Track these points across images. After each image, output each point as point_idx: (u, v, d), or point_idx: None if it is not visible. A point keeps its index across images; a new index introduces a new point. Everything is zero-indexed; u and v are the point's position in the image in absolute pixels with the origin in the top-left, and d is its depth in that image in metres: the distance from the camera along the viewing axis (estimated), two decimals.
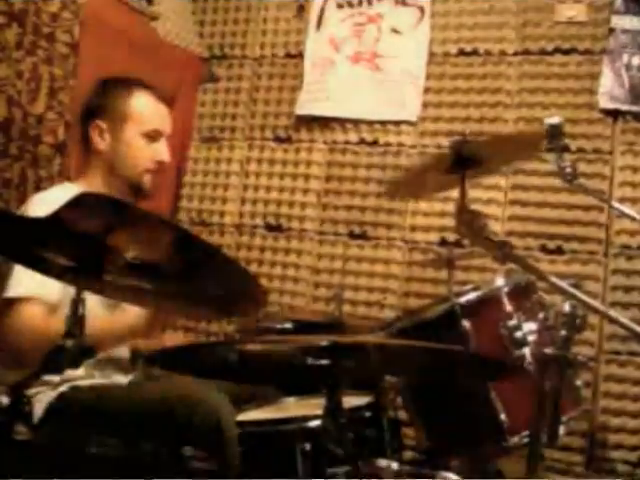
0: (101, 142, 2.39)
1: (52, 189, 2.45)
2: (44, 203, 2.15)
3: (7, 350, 2.16)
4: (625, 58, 3.36)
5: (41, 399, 2.17)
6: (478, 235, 1.86)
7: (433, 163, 2.10)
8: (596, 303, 2.01)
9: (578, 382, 2.39)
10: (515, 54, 3.59)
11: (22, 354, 2.11)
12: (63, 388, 2.20)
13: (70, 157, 3.12)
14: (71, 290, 1.55)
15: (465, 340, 2.30)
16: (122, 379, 2.37)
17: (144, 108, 2.42)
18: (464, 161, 2.03)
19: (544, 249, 3.43)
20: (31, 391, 2.14)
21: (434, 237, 3.61)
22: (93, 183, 2.39)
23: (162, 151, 2.43)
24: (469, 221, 1.88)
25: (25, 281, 2.11)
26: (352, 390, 2.30)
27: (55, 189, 2.43)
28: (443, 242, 3.57)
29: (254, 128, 4.04)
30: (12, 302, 2.13)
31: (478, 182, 3.34)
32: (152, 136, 2.41)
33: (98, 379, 2.29)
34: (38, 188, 2.97)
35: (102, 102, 2.42)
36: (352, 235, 3.77)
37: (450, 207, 2.02)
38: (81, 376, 2.23)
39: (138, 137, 2.39)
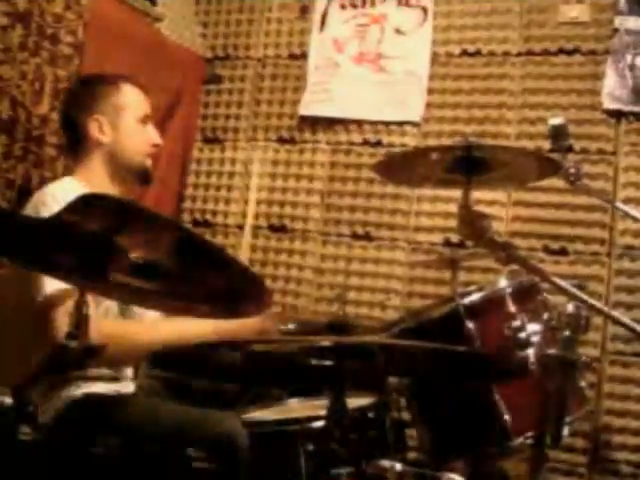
0: (102, 135, 2.43)
1: (58, 183, 2.44)
2: (56, 198, 2.19)
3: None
4: (629, 58, 3.35)
5: (51, 404, 2.17)
6: (481, 236, 1.86)
7: (437, 159, 2.09)
8: (600, 304, 2.01)
9: (582, 383, 2.38)
10: (518, 55, 3.59)
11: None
12: (75, 394, 2.20)
13: None
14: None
15: (469, 341, 2.30)
16: (128, 371, 2.39)
17: (134, 96, 2.51)
18: (469, 163, 2.02)
19: (547, 250, 3.43)
20: (41, 394, 2.14)
21: (437, 238, 3.61)
22: (97, 177, 2.41)
23: (155, 134, 2.54)
24: (472, 222, 1.88)
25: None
26: (356, 391, 2.30)
27: (62, 183, 2.41)
28: (447, 243, 3.57)
29: (257, 129, 4.04)
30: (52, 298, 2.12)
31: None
32: (145, 121, 2.50)
33: (107, 375, 2.30)
34: None
35: (92, 99, 2.47)
36: (355, 236, 3.77)
37: (453, 208, 2.02)
38: (90, 373, 2.23)
39: (136, 123, 2.48)
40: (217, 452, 2.05)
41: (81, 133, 2.44)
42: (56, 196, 2.21)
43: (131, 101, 2.48)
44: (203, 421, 2.10)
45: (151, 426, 2.12)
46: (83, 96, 2.49)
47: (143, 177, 2.49)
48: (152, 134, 2.52)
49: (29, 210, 2.26)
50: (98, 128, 2.43)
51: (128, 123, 2.46)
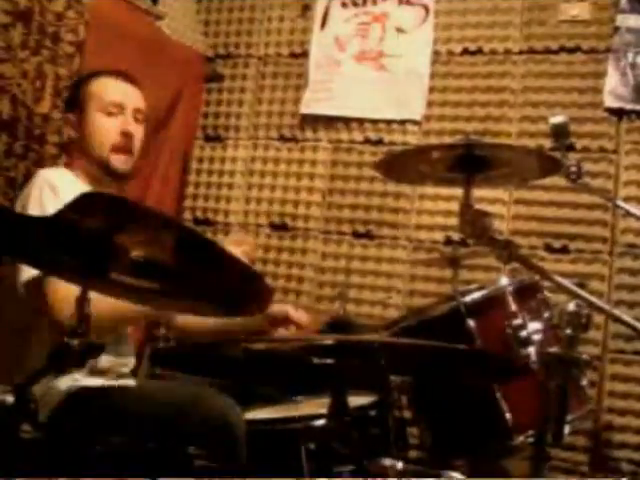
0: (73, 132, 2.42)
1: (54, 169, 2.46)
2: (51, 181, 2.20)
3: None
4: (630, 57, 3.35)
5: (49, 399, 2.17)
6: (482, 234, 1.86)
7: (438, 157, 2.09)
8: (601, 302, 2.01)
9: (583, 381, 2.38)
10: (520, 53, 3.59)
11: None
12: (71, 388, 2.20)
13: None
14: None
15: (470, 339, 2.30)
16: (128, 365, 2.39)
17: (101, 87, 2.39)
18: (470, 162, 2.02)
19: (549, 248, 3.42)
20: (39, 390, 2.14)
21: (439, 236, 3.61)
22: (82, 174, 2.37)
23: (126, 123, 2.36)
24: (473, 220, 1.88)
25: None
26: (357, 389, 2.30)
27: (57, 169, 2.45)
28: (448, 241, 3.57)
29: (258, 127, 4.04)
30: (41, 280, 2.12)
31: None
32: (113, 111, 2.35)
33: (106, 371, 2.30)
34: None
35: (70, 98, 2.48)
36: (356, 234, 3.77)
37: (455, 206, 2.02)
38: (89, 369, 2.23)
39: (99, 114, 2.34)
40: (216, 442, 2.04)
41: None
42: (48, 178, 2.22)
43: (96, 91, 2.37)
44: (202, 414, 2.10)
45: (150, 418, 2.12)
46: (68, 96, 2.52)
47: (109, 172, 2.34)
48: (118, 123, 2.34)
49: (24, 193, 2.25)
50: (70, 125, 2.43)
51: (91, 115, 2.35)
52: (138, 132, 2.40)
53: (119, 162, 2.35)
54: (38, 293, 2.09)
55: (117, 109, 2.36)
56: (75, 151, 2.46)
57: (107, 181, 2.35)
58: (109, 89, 2.38)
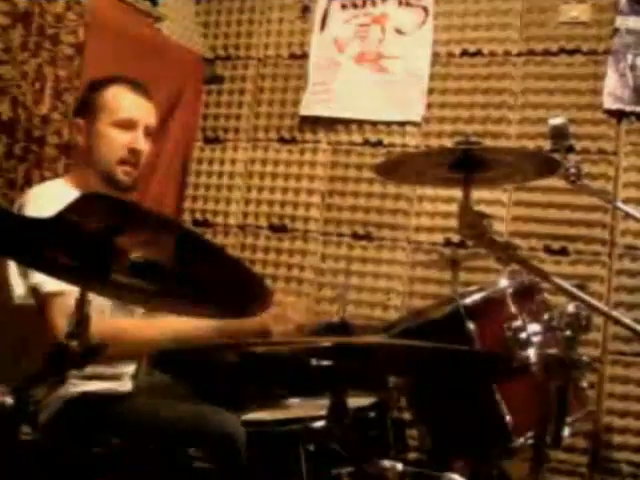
0: (79, 138, 2.38)
1: (47, 184, 2.44)
2: (42, 197, 2.20)
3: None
4: (629, 58, 3.35)
5: (49, 404, 2.17)
6: (481, 236, 1.86)
7: (437, 158, 2.09)
8: (600, 304, 2.01)
9: (583, 383, 2.38)
10: (519, 55, 3.59)
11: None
12: (73, 393, 2.20)
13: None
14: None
15: (469, 341, 2.29)
16: (128, 369, 2.39)
17: (116, 98, 2.37)
18: (469, 163, 2.02)
19: (548, 250, 3.42)
20: (39, 395, 2.14)
21: (438, 238, 3.61)
22: (76, 179, 2.37)
23: (135, 139, 2.35)
24: (472, 222, 1.87)
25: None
26: (356, 391, 2.30)
27: (50, 184, 2.42)
28: (447, 243, 3.57)
29: (258, 129, 4.04)
30: (52, 296, 2.13)
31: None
32: (125, 125, 2.35)
33: (105, 373, 2.30)
34: None
35: (80, 103, 2.45)
36: (356, 236, 3.77)
37: (454, 208, 2.02)
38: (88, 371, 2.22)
39: (110, 127, 2.34)
40: (216, 451, 2.05)
41: (70, 136, 2.46)
42: (37, 200, 2.20)
43: (110, 103, 2.35)
44: (202, 420, 2.10)
45: (150, 425, 2.12)
46: (78, 100, 2.49)
47: (113, 183, 2.33)
48: (128, 138, 2.34)
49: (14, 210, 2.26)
50: (77, 131, 2.38)
51: (101, 126, 2.34)
52: (147, 148, 2.40)
53: (124, 174, 2.34)
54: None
55: (129, 125, 2.35)
56: (78, 158, 2.43)
57: (111, 190, 2.32)
58: (123, 103, 2.36)
